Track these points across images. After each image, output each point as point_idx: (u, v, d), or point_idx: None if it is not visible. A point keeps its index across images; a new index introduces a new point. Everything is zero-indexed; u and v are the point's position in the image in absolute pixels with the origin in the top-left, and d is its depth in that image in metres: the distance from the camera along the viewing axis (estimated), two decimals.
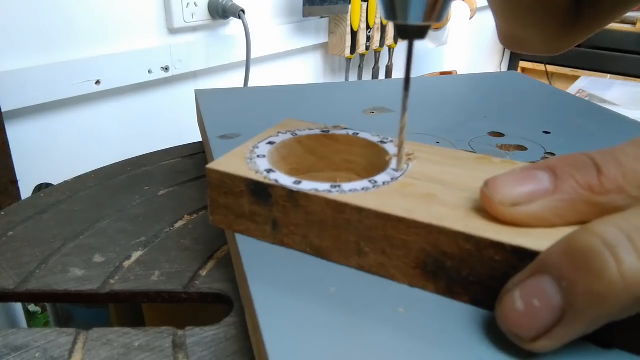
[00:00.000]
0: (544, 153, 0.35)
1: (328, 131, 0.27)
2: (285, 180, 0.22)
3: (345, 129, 0.28)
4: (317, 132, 0.27)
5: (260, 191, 0.23)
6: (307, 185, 0.22)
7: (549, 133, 0.39)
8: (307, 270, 0.22)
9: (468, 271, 0.19)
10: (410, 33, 0.21)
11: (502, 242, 0.18)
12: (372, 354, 0.17)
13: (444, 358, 0.17)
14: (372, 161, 0.26)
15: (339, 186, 0.22)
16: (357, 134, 0.27)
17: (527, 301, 0.16)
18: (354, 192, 0.21)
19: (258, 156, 0.24)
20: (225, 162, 0.24)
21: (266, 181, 0.22)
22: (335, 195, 0.21)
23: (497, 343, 0.18)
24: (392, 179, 0.22)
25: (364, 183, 0.22)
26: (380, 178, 0.23)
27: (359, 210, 0.20)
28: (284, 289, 0.20)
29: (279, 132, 0.27)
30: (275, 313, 0.19)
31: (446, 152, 0.25)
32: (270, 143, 0.26)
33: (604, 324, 0.16)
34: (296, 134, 0.27)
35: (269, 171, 0.23)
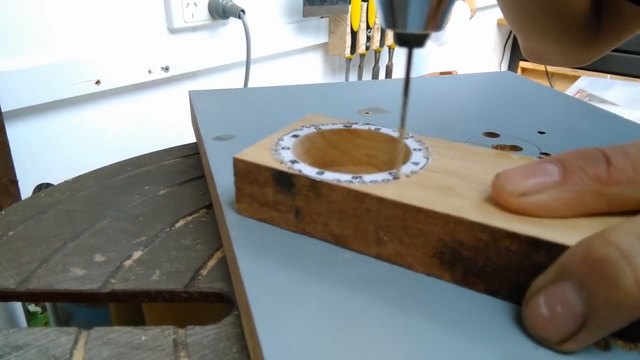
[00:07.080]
0: (539, 153, 0.35)
1: (350, 126, 0.28)
2: (309, 171, 0.23)
3: (367, 124, 0.28)
4: (340, 126, 0.28)
5: (284, 180, 0.23)
6: (330, 176, 0.22)
7: (544, 133, 0.39)
8: (304, 274, 0.21)
9: (484, 261, 0.19)
10: (410, 41, 0.21)
11: (517, 232, 0.18)
12: (370, 357, 0.17)
13: (443, 358, 0.17)
14: (392, 156, 0.27)
15: (360, 177, 0.22)
16: (379, 129, 0.28)
17: (551, 307, 0.17)
18: (374, 183, 0.22)
19: (283, 148, 0.25)
20: (252, 153, 0.25)
21: (290, 171, 0.23)
22: (356, 186, 0.22)
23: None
24: (411, 172, 0.23)
25: (384, 175, 0.23)
26: (400, 170, 0.23)
27: (379, 200, 0.21)
28: (281, 294, 0.20)
29: (303, 126, 0.28)
30: (271, 318, 0.19)
31: (465, 148, 0.25)
32: (295, 136, 0.27)
33: (628, 324, 0.16)
34: (319, 128, 0.28)
35: (293, 162, 0.24)
